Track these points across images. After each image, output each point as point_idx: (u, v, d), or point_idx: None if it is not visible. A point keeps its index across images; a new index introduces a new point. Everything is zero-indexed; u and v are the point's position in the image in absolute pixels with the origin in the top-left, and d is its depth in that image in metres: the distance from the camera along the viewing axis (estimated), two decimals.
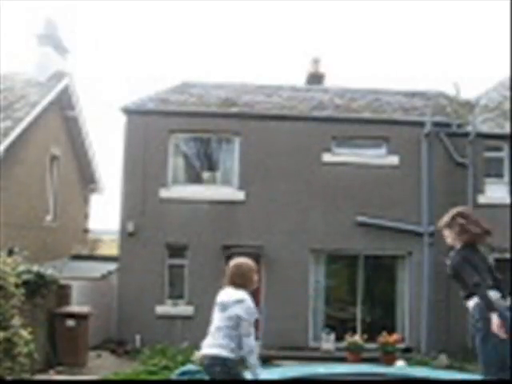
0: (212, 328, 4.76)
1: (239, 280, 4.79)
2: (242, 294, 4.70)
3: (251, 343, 4.59)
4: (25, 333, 7.51)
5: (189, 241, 13.15)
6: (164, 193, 13.27)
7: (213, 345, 4.65)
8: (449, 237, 4.92)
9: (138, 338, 12.59)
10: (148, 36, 71.03)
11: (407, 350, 12.66)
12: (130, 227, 13.01)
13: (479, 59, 59.71)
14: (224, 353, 4.57)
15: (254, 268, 4.90)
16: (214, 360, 4.58)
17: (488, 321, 4.42)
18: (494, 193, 13.45)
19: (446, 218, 4.95)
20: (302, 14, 73.39)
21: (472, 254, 4.69)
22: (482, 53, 62.26)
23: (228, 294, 4.77)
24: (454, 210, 5.01)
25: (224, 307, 4.70)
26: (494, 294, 4.54)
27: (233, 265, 4.89)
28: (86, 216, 18.45)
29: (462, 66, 57.46)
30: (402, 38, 72.03)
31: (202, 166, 13.77)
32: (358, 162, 13.43)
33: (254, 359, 4.58)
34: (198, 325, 12.76)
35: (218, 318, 4.74)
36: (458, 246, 4.81)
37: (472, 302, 4.62)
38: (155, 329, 12.66)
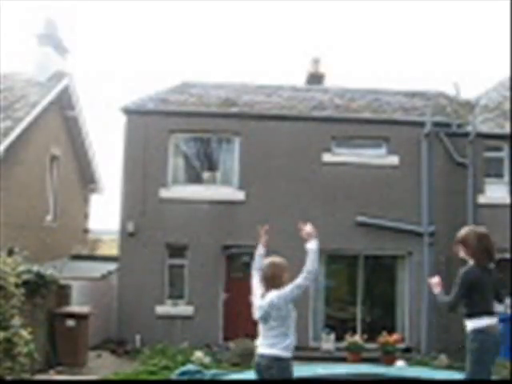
0: (263, 330, 4.84)
1: (270, 283, 4.86)
2: (266, 302, 4.78)
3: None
4: (25, 333, 7.52)
5: (189, 241, 13.15)
6: (164, 193, 13.27)
7: (268, 345, 4.74)
8: (461, 252, 4.99)
9: (137, 338, 12.59)
10: (148, 36, 71.06)
11: (407, 350, 12.66)
12: (130, 227, 13.01)
13: (479, 59, 59.71)
14: (282, 353, 4.68)
15: (282, 267, 4.90)
16: (272, 362, 4.69)
17: (482, 343, 4.64)
18: (494, 193, 13.45)
19: (463, 234, 5.03)
20: (302, 14, 73.39)
21: (480, 275, 4.82)
22: (482, 53, 62.26)
23: (260, 308, 4.85)
24: (472, 230, 5.09)
25: (267, 318, 4.78)
26: (489, 320, 4.71)
27: (264, 267, 4.93)
28: (86, 216, 18.44)
29: (462, 66, 57.47)
30: (402, 38, 72.04)
31: (202, 165, 13.77)
32: (357, 162, 13.43)
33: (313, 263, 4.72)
34: (198, 325, 12.80)
35: (264, 323, 4.82)
36: (471, 262, 4.92)
37: (470, 323, 4.70)
38: (155, 329, 12.66)
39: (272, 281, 4.85)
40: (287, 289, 4.73)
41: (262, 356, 4.75)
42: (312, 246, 4.77)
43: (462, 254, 4.99)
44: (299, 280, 4.71)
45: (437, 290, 4.97)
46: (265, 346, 4.77)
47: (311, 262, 4.72)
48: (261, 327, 4.89)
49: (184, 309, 13.00)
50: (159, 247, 13.15)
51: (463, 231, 5.05)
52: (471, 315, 4.72)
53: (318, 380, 5.77)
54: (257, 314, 4.90)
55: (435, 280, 5.02)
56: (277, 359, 4.68)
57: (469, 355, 4.71)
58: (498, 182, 13.63)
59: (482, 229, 5.12)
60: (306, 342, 12.88)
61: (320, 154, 13.41)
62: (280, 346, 4.70)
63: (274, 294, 4.77)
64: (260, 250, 5.28)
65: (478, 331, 4.66)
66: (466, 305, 4.75)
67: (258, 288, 5.00)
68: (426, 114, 13.64)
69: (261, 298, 4.89)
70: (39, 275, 9.93)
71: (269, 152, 13.42)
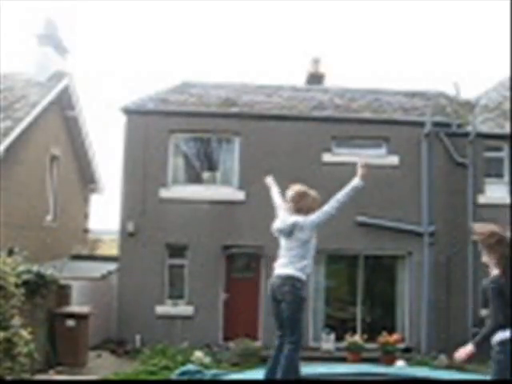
0: (282, 251, 5.01)
1: (293, 206, 5.07)
2: (292, 220, 4.95)
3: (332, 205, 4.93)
4: (25, 333, 7.51)
5: (189, 241, 13.15)
6: (164, 193, 13.27)
7: (284, 264, 4.88)
8: (485, 255, 4.71)
9: (137, 338, 12.59)
10: (148, 36, 71.07)
11: (407, 350, 12.66)
12: (130, 227, 13.02)
13: (479, 59, 59.75)
14: (296, 273, 4.82)
15: (304, 193, 5.14)
16: (285, 280, 4.81)
17: (509, 355, 4.46)
18: (494, 193, 13.45)
19: (487, 235, 4.67)
20: (302, 14, 73.43)
21: (507, 285, 4.52)
22: (482, 53, 62.31)
23: (282, 221, 5.03)
24: (500, 234, 4.69)
25: (286, 234, 4.95)
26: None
27: (289, 193, 5.16)
28: (86, 216, 18.44)
29: (462, 65, 57.50)
30: (402, 38, 72.07)
31: (202, 166, 13.77)
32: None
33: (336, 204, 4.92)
34: (198, 325, 12.80)
35: (285, 242, 5.00)
36: (494, 270, 4.62)
37: (497, 336, 4.60)
38: (155, 329, 12.66)
39: (299, 207, 5.02)
40: (313, 215, 4.91)
41: (278, 276, 4.87)
42: (355, 181, 4.96)
43: (484, 258, 4.68)
44: (326, 207, 4.92)
45: (468, 348, 4.51)
46: (281, 266, 4.90)
47: (344, 194, 4.94)
48: (281, 249, 5.01)
49: (184, 309, 13.00)
50: (159, 247, 13.15)
51: (488, 232, 4.66)
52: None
53: (318, 380, 5.77)
54: (278, 223, 5.01)
55: (460, 354, 4.55)
56: (290, 277, 4.78)
57: (494, 366, 4.56)
58: (498, 182, 13.63)
59: (508, 232, 4.76)
60: (306, 342, 12.88)
61: (320, 153, 13.41)
62: (295, 266, 4.82)
63: (299, 217, 4.92)
64: (274, 189, 5.51)
65: (503, 343, 4.48)
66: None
67: (282, 204, 5.16)
68: (426, 114, 13.64)
69: (285, 214, 5.04)
70: (39, 275, 9.93)
71: (269, 152, 13.42)
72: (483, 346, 4.52)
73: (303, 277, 4.85)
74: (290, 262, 4.85)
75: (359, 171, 5.03)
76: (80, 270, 13.81)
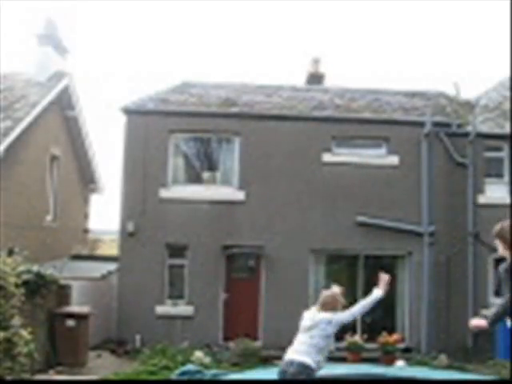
0: (301, 334, 5.09)
1: (321, 306, 5.28)
2: (321, 316, 5.13)
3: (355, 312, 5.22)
4: (25, 333, 7.52)
5: (189, 241, 13.14)
6: (164, 193, 13.27)
7: (302, 352, 4.89)
8: (500, 246, 4.82)
9: (137, 338, 12.59)
10: (148, 36, 71.11)
11: (407, 350, 12.66)
12: (130, 227, 13.01)
13: (479, 59, 59.75)
14: (313, 364, 4.85)
15: (333, 295, 5.37)
16: (302, 368, 4.80)
17: None
18: (494, 193, 13.45)
19: (499, 227, 4.88)
20: (302, 14, 73.43)
21: None
22: (482, 53, 62.31)
23: (310, 319, 5.19)
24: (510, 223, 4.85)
25: (311, 327, 5.09)
26: None
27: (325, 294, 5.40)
28: (85, 216, 18.44)
29: (462, 65, 57.50)
30: (402, 38, 72.09)
31: (202, 165, 13.77)
32: (357, 162, 13.42)
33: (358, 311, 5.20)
34: (198, 325, 12.80)
35: (308, 331, 5.11)
36: (509, 258, 4.71)
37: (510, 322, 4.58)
38: (155, 329, 12.66)
39: (328, 308, 5.24)
40: (343, 314, 5.15)
41: (291, 363, 4.83)
42: (379, 293, 5.29)
43: (500, 250, 4.80)
44: (354, 310, 5.24)
45: (482, 322, 4.66)
46: (298, 352, 4.88)
47: (369, 303, 5.27)
48: (301, 331, 5.09)
49: (184, 309, 13.00)
50: (159, 247, 13.14)
51: (500, 225, 4.90)
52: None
53: (319, 380, 5.77)
54: (307, 322, 5.13)
55: (474, 325, 4.76)
56: (307, 367, 4.78)
57: None
58: (498, 181, 13.63)
59: None
60: None
61: (320, 153, 13.40)
62: (313, 358, 4.85)
63: (327, 314, 5.11)
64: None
65: None
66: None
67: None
68: (426, 114, 13.64)
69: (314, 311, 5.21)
70: (39, 275, 9.93)
71: (269, 152, 13.41)
72: (496, 324, 4.60)
73: (317, 370, 4.92)
74: (309, 351, 4.89)
75: (382, 285, 5.40)
76: (80, 270, 13.81)
